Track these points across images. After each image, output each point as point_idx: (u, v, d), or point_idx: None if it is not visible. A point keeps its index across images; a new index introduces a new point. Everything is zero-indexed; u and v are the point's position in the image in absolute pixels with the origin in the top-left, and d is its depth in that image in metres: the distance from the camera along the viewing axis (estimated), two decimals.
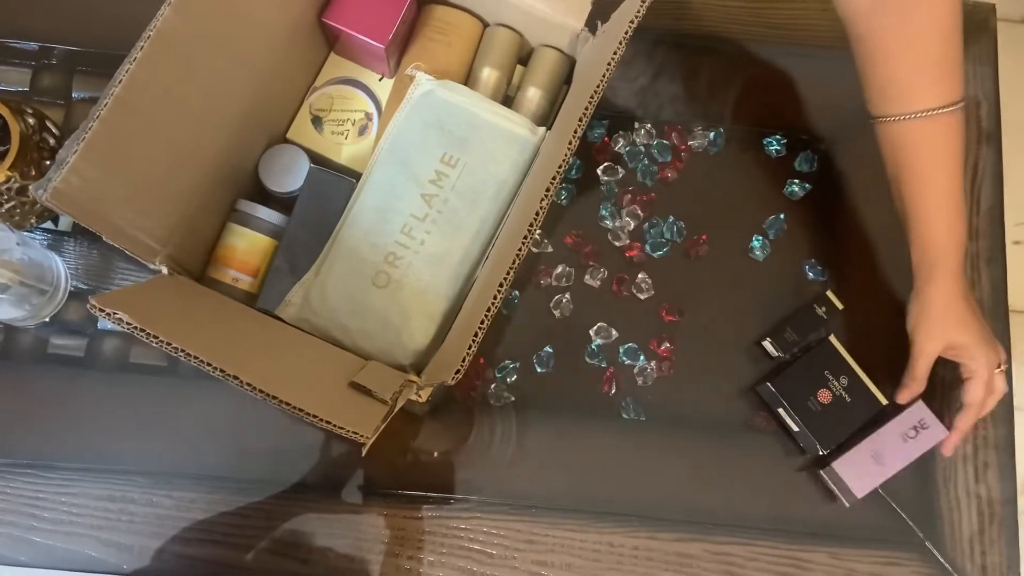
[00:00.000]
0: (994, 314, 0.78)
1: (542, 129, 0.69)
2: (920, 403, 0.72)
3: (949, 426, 0.71)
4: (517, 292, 0.77)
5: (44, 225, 0.76)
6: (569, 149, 0.57)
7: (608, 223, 0.78)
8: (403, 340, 0.66)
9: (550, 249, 0.78)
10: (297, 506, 0.71)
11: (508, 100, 0.75)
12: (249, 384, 0.50)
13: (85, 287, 0.75)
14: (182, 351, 0.49)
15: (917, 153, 0.63)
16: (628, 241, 0.78)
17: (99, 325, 0.75)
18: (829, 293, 0.76)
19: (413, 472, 0.73)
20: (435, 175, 0.68)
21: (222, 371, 0.49)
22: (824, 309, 0.75)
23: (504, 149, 0.68)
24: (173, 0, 0.55)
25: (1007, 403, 0.76)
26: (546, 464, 0.74)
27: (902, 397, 0.70)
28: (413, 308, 0.66)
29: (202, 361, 0.49)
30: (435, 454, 0.73)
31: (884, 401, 0.72)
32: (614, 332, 0.76)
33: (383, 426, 0.53)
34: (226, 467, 0.72)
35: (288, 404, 0.50)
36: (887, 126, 0.63)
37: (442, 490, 0.73)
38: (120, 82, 0.54)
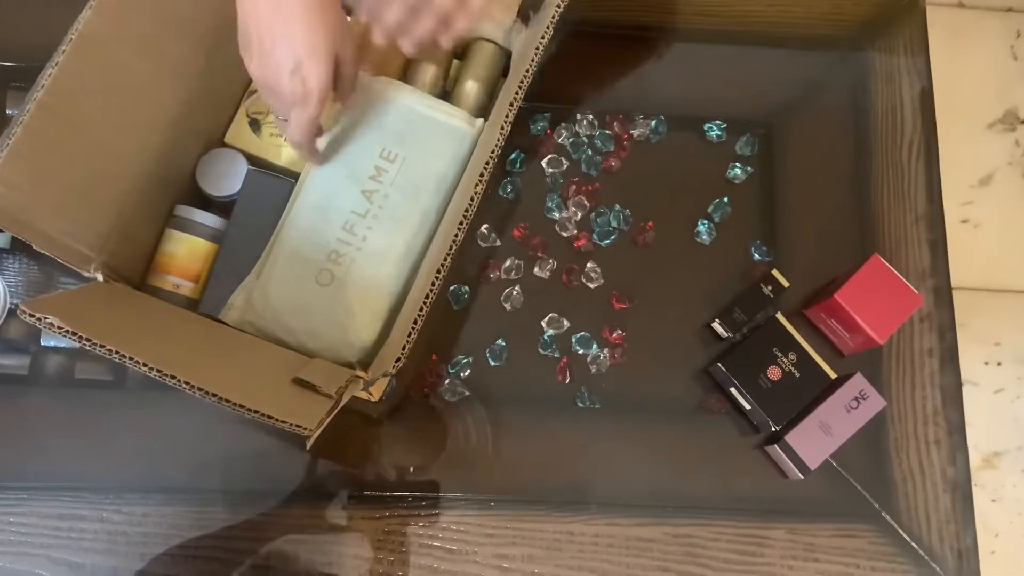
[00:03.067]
0: (938, 298, 0.80)
1: (479, 121, 0.70)
2: (859, 375, 0.73)
3: (887, 398, 0.73)
4: (467, 288, 0.77)
5: None
6: (502, 134, 0.57)
7: (555, 214, 0.79)
8: (349, 338, 0.66)
9: (498, 243, 0.78)
10: (251, 515, 0.71)
11: (446, 95, 0.75)
12: (187, 383, 0.49)
13: (26, 300, 0.74)
14: (116, 352, 0.49)
15: None
16: (575, 231, 0.79)
17: (42, 342, 0.74)
18: (775, 272, 0.77)
19: (371, 474, 0.73)
20: (375, 171, 0.68)
21: (158, 371, 0.49)
22: (770, 288, 0.76)
23: (442, 142, 0.69)
24: (94, 2, 0.55)
25: (956, 383, 0.77)
26: (503, 457, 0.74)
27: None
28: (358, 305, 0.66)
29: (136, 362, 0.49)
30: (410, 468, 0.73)
31: (833, 375, 0.73)
32: (566, 322, 0.76)
33: (328, 419, 0.53)
34: (178, 479, 0.71)
35: (228, 401, 0.50)
36: None
37: (400, 490, 0.72)
38: (43, 87, 0.53)
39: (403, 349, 0.52)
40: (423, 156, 0.68)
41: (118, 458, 0.71)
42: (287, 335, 0.66)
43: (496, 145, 0.56)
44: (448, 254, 0.55)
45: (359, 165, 0.68)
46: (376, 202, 0.67)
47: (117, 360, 0.49)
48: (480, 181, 0.55)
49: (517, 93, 0.57)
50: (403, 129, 0.68)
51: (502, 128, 0.56)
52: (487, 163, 0.55)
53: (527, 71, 0.58)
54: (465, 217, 0.55)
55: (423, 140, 0.69)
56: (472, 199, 0.55)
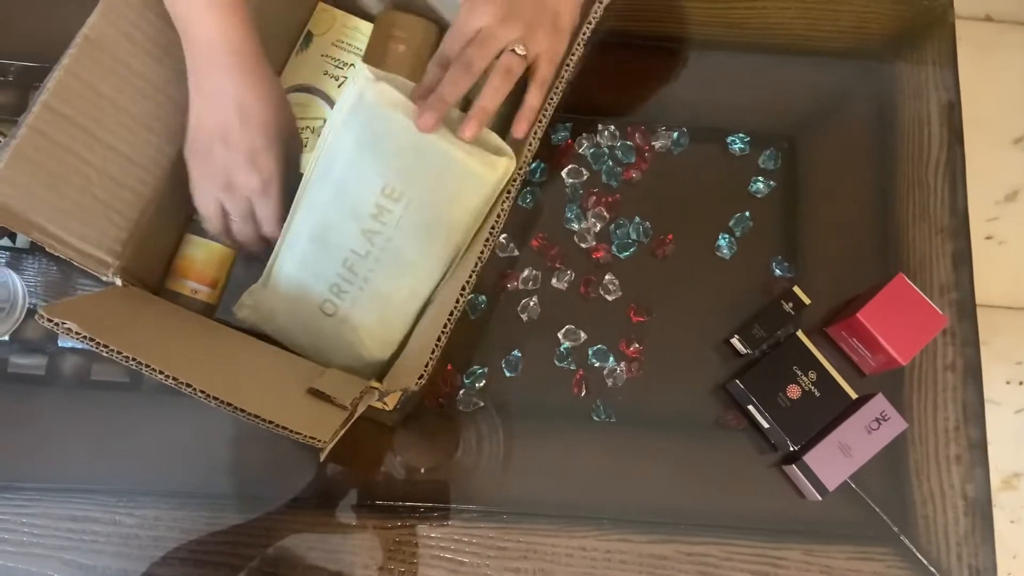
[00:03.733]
0: (962, 314, 0.78)
1: (504, 161, 0.59)
2: (880, 396, 0.72)
3: (908, 419, 0.72)
4: (484, 297, 0.76)
5: (1, 243, 0.75)
6: (529, 151, 0.57)
7: (574, 225, 0.78)
8: (363, 356, 0.66)
9: (516, 253, 0.78)
10: (262, 520, 0.71)
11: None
12: (203, 391, 0.49)
13: (45, 304, 0.74)
14: (132, 359, 0.49)
15: None
16: (594, 243, 0.78)
17: (59, 343, 0.74)
18: (796, 288, 0.76)
19: (384, 483, 0.72)
20: (376, 209, 0.60)
21: (174, 379, 0.49)
22: (791, 305, 0.75)
23: (454, 185, 0.59)
24: (100, 6, 0.55)
25: (978, 399, 0.76)
26: (517, 469, 0.73)
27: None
28: (366, 337, 0.65)
29: (152, 369, 0.49)
30: (422, 470, 0.72)
31: (853, 395, 0.72)
32: (582, 334, 0.76)
33: (342, 432, 0.52)
34: (190, 483, 0.71)
35: (243, 411, 0.50)
36: None
37: (412, 499, 0.72)
38: (48, 89, 0.53)
39: (426, 367, 0.52)
40: (432, 199, 0.60)
41: (131, 461, 0.72)
42: (297, 348, 0.66)
43: (525, 161, 0.55)
44: (473, 271, 0.54)
45: (359, 201, 0.60)
46: (378, 244, 0.61)
47: (134, 367, 0.49)
48: (507, 198, 0.55)
49: (545, 110, 0.57)
50: (408, 163, 0.59)
51: (530, 145, 0.56)
52: (515, 179, 0.55)
53: (557, 87, 0.57)
54: (492, 233, 0.55)
55: (431, 180, 0.59)
56: (499, 217, 0.55)
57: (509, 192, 0.57)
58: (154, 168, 0.64)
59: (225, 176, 0.61)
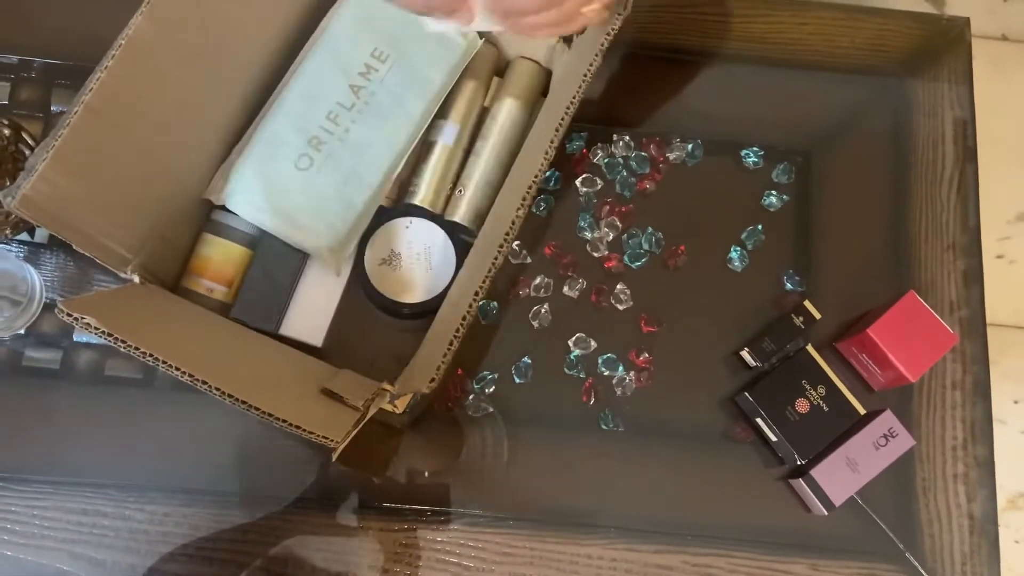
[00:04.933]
0: (971, 331, 0.78)
1: (473, 34, 0.73)
2: (888, 412, 0.72)
3: (915, 436, 0.72)
4: (496, 303, 0.77)
5: (20, 237, 0.76)
6: (545, 159, 0.57)
7: (587, 234, 0.79)
8: (321, 224, 0.68)
9: (529, 260, 0.78)
10: (269, 520, 0.71)
11: (484, 111, 0.75)
12: (217, 388, 0.50)
13: (62, 299, 0.75)
14: (149, 355, 0.49)
15: None
16: (607, 252, 0.79)
17: (75, 337, 0.75)
18: (806, 303, 0.76)
19: (390, 485, 0.73)
20: (364, 68, 0.70)
21: (190, 375, 0.49)
22: (801, 319, 0.75)
23: (433, 50, 0.71)
24: (145, 9, 0.56)
25: (986, 418, 0.76)
26: (524, 475, 0.73)
27: None
28: (333, 192, 0.68)
29: (169, 365, 0.49)
30: (426, 474, 0.73)
31: (862, 410, 0.72)
32: (593, 343, 0.76)
33: (354, 431, 0.53)
34: (200, 481, 0.72)
35: (257, 409, 0.50)
36: None
37: (418, 503, 0.72)
38: (91, 90, 0.54)
39: (438, 370, 0.52)
40: (412, 60, 0.71)
41: (143, 457, 0.72)
42: (260, 213, 0.68)
43: (540, 170, 0.56)
44: (487, 276, 0.55)
45: (350, 60, 0.70)
46: (363, 98, 0.70)
47: (150, 363, 0.50)
48: (522, 205, 0.55)
49: (563, 119, 0.57)
50: (396, 32, 0.71)
51: (546, 153, 0.56)
52: (529, 188, 0.55)
53: (574, 98, 0.58)
54: (505, 240, 0.55)
55: (414, 44, 0.71)
56: (513, 223, 0.55)
57: (524, 200, 0.58)
58: (176, 169, 0.65)
59: None
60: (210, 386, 0.50)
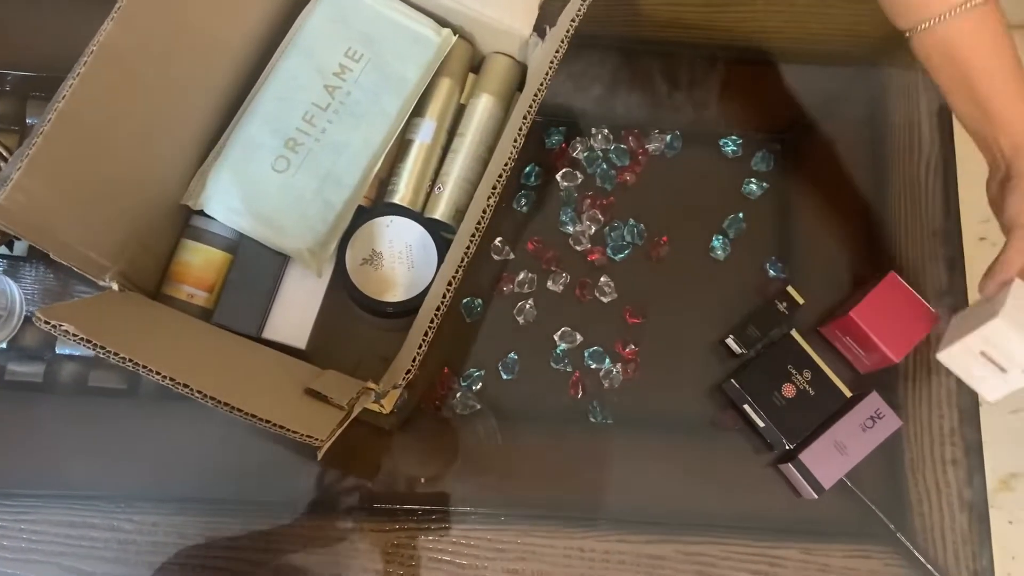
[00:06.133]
0: (955, 313, 0.78)
1: (447, 31, 0.73)
2: (875, 394, 0.73)
3: (903, 417, 0.73)
4: (480, 301, 0.77)
5: None
6: (515, 147, 0.57)
7: (569, 228, 0.79)
8: (300, 226, 0.68)
9: (512, 256, 0.78)
10: (260, 525, 0.71)
11: (461, 108, 0.76)
12: (200, 392, 0.50)
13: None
14: (129, 360, 0.49)
15: (972, 47, 0.61)
16: (589, 245, 0.79)
17: (57, 350, 0.74)
18: (789, 289, 0.76)
19: (382, 487, 0.73)
20: (339, 68, 0.70)
21: (171, 379, 0.49)
22: (785, 304, 0.76)
23: (407, 48, 0.72)
24: (116, 15, 0.56)
25: (973, 398, 0.77)
26: (514, 471, 0.73)
27: (991, 287, 0.63)
28: (311, 193, 0.68)
29: (150, 370, 0.49)
30: (418, 477, 0.73)
31: (848, 393, 0.73)
32: (578, 336, 0.76)
33: (339, 430, 0.53)
34: (188, 489, 0.71)
35: (240, 411, 0.50)
36: (930, 34, 0.62)
37: (410, 503, 0.72)
38: (64, 97, 0.54)
39: (413, 362, 0.52)
40: (387, 58, 0.71)
41: (130, 467, 0.72)
42: (238, 217, 0.67)
43: (510, 158, 0.56)
44: (460, 266, 0.55)
45: (324, 60, 0.70)
46: (338, 98, 0.70)
47: (131, 368, 0.50)
48: (493, 194, 0.56)
49: (531, 107, 0.57)
50: (370, 30, 0.72)
51: (515, 141, 0.57)
52: (500, 176, 0.56)
53: (541, 85, 0.58)
54: (478, 229, 0.55)
55: (388, 43, 0.72)
56: (484, 211, 0.55)
57: (495, 189, 0.58)
58: (153, 175, 0.64)
59: None
60: (192, 389, 0.50)
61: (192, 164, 0.69)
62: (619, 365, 0.76)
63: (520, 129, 0.57)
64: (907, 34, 0.64)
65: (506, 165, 0.56)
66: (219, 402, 0.50)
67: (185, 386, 0.49)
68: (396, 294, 0.70)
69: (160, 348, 0.55)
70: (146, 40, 0.59)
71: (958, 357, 0.63)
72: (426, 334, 0.53)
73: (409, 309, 0.68)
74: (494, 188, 0.56)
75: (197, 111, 0.68)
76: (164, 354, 0.52)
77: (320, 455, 0.51)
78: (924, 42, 0.63)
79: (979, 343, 0.62)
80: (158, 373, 0.49)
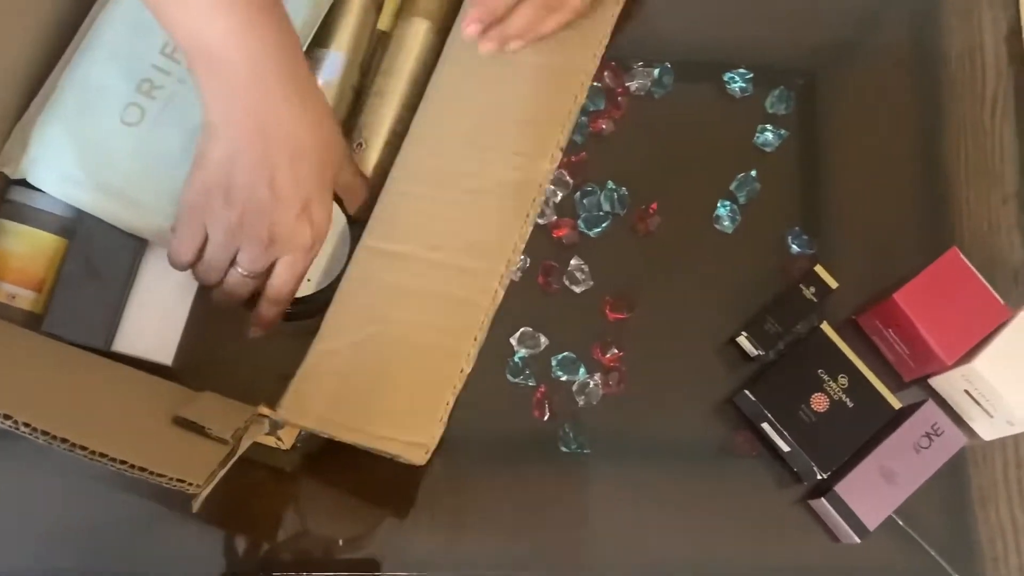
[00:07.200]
0: None
1: None
2: (931, 403, 0.74)
3: (967, 433, 0.75)
4: None
5: None
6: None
7: None
8: (161, 199, 0.67)
9: None
10: None
11: (383, 37, 0.76)
12: (26, 424, 0.49)
13: None
14: None
15: None
16: (555, 217, 0.79)
17: None
18: (818, 268, 0.78)
19: (285, 548, 0.72)
20: None
21: None
22: (813, 290, 0.77)
23: None
24: None
25: None
26: (467, 520, 0.74)
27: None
28: (176, 153, 0.67)
29: None
30: (338, 538, 0.72)
31: (896, 404, 0.74)
32: (543, 339, 0.77)
33: (222, 471, 0.52)
34: (12, 557, 0.70)
35: (84, 448, 0.49)
36: None
37: (321, 568, 0.72)
38: None
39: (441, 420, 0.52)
40: None
41: None
42: (74, 188, 0.67)
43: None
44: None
45: None
46: None
47: None
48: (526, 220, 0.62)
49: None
50: None
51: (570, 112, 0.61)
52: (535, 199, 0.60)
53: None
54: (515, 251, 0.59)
55: None
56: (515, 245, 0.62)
57: (528, 215, 0.62)
58: None
59: (262, 230, 0.62)
60: (16, 422, 0.49)
61: (8, 120, 0.68)
62: (597, 376, 0.76)
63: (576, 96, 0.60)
64: None
65: (561, 145, 0.60)
66: (53, 437, 0.49)
67: (6, 417, 0.48)
68: (302, 287, 0.69)
69: None
70: None
71: (944, 387, 0.75)
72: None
73: (318, 306, 0.68)
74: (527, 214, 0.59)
75: (16, 43, 0.66)
76: None
77: (196, 506, 0.51)
78: None
79: (961, 382, 0.72)
80: None
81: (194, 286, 0.71)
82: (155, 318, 0.70)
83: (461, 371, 0.63)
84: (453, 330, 0.65)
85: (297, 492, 0.73)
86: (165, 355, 0.70)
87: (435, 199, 0.69)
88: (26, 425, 0.49)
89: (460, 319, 0.65)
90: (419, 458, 0.62)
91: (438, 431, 0.63)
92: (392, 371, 0.64)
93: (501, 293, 0.65)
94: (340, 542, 0.72)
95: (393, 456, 0.63)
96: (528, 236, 0.68)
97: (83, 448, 0.49)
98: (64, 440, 0.49)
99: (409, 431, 0.63)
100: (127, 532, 0.71)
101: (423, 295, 0.66)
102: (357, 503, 0.74)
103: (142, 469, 0.49)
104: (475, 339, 0.64)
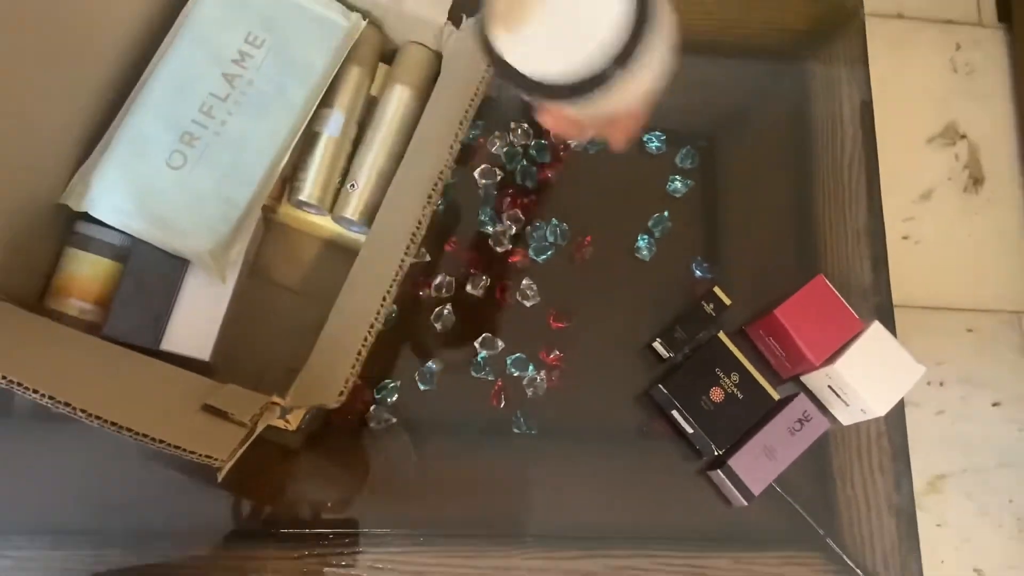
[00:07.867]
0: (880, 316, 0.82)
1: (356, 15, 0.72)
2: (802, 396, 0.76)
3: (830, 418, 0.77)
4: (395, 306, 0.77)
5: None
6: (451, 153, 0.58)
7: (488, 228, 0.80)
8: (201, 226, 0.66)
9: (428, 258, 0.78)
10: (153, 556, 0.69)
11: (373, 100, 0.75)
12: (83, 411, 0.48)
13: None
14: (3, 378, 0.47)
15: None
16: (510, 246, 0.80)
17: None
18: (716, 289, 0.79)
19: (288, 510, 0.72)
20: (238, 55, 0.69)
21: (49, 397, 0.47)
22: (712, 306, 0.78)
23: (313, 32, 0.71)
24: None
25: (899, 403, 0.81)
26: (433, 488, 0.73)
27: None
28: (211, 191, 0.67)
29: (26, 388, 0.47)
30: (328, 499, 0.72)
31: (776, 396, 0.76)
32: (500, 343, 0.77)
33: (242, 449, 0.52)
34: (72, 519, 0.69)
35: (129, 430, 0.49)
36: None
37: (320, 526, 0.71)
38: None
39: (347, 383, 0.52)
40: (292, 44, 0.70)
41: (1, 497, 0.68)
42: (128, 218, 0.66)
43: (445, 165, 0.57)
44: (394, 280, 0.55)
45: (222, 46, 0.69)
46: (239, 87, 0.68)
47: (4, 386, 0.48)
48: (428, 203, 0.56)
49: (467, 111, 0.58)
50: (272, 14, 0.70)
51: (451, 147, 0.57)
52: (435, 185, 0.56)
53: (476, 90, 0.58)
54: (412, 242, 0.55)
55: (292, 27, 0.70)
56: (419, 223, 0.55)
57: (430, 198, 0.58)
58: (28, 174, 0.62)
59: None
60: (75, 408, 0.48)
61: (72, 161, 0.67)
62: (543, 372, 0.77)
63: (456, 135, 0.57)
64: None
65: (441, 173, 0.57)
66: (104, 421, 0.48)
67: (67, 405, 0.48)
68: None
69: (37, 363, 0.53)
70: (19, 18, 0.56)
71: (813, 383, 0.79)
72: (359, 353, 0.53)
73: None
74: (429, 197, 0.56)
75: (75, 101, 0.66)
76: (41, 370, 0.50)
77: (220, 476, 0.50)
78: None
79: (825, 379, 0.77)
80: (35, 391, 0.47)
81: (227, 297, 0.70)
82: (195, 323, 0.69)
83: (371, 327, 0.58)
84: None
85: (298, 465, 0.73)
86: (203, 352, 0.69)
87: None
88: (83, 411, 0.48)
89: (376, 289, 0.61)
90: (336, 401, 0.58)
91: (351, 378, 0.58)
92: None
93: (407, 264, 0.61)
94: (328, 504, 0.72)
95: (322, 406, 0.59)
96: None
97: (128, 429, 0.49)
98: (113, 423, 0.48)
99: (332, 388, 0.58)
100: (161, 498, 0.70)
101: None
102: (344, 474, 0.74)
103: (177, 447, 0.49)
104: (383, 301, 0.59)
